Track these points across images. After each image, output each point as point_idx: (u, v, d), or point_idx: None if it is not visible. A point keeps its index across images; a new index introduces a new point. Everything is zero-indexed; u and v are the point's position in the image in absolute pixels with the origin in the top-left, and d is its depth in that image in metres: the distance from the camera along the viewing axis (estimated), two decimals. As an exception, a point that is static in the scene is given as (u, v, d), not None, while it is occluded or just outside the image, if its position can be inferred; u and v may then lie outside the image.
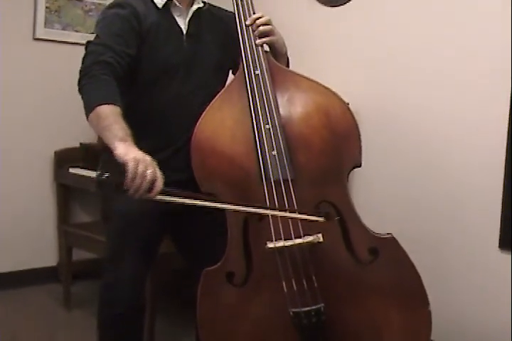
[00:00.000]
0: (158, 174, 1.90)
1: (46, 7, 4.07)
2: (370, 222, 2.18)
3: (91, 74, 2.11)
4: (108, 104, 2.03)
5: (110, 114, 2.01)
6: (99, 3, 4.23)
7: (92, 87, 2.10)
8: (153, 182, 1.87)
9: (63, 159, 4.10)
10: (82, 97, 2.10)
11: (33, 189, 4.16)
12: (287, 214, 2.05)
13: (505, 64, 2.64)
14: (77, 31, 4.20)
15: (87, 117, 2.05)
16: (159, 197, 1.90)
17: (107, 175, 1.83)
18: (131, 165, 1.84)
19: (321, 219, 2.06)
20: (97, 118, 2.01)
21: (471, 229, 2.80)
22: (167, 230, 2.46)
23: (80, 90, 2.13)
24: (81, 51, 2.22)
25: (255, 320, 2.15)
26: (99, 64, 2.12)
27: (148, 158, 1.90)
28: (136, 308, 2.38)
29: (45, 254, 4.22)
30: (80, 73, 2.15)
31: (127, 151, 1.89)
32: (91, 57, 2.15)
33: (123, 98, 2.10)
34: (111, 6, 2.30)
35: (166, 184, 1.97)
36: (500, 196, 2.68)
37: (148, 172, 1.86)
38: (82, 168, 3.89)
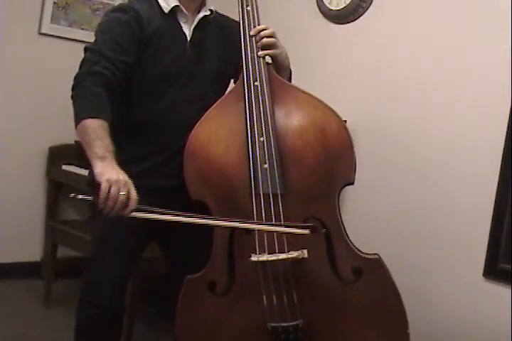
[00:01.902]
0: (132, 194, 1.93)
1: (54, 3, 4.09)
2: (358, 239, 2.18)
3: (83, 85, 2.13)
4: (95, 118, 2.05)
5: (95, 128, 2.03)
6: (108, 3, 4.24)
7: (82, 99, 2.12)
8: (126, 202, 1.91)
9: (57, 155, 4.11)
10: (73, 106, 2.13)
11: (25, 183, 4.15)
12: (268, 227, 2.04)
13: (504, 86, 2.64)
14: (83, 29, 4.21)
15: (76, 128, 2.08)
16: (135, 214, 1.94)
17: (80, 196, 1.88)
18: (103, 187, 1.89)
19: (306, 231, 2.04)
20: (82, 132, 2.05)
21: (457, 255, 2.79)
22: (154, 235, 2.45)
23: (71, 98, 2.15)
24: (84, 50, 2.23)
25: (233, 331, 2.14)
26: (92, 74, 2.14)
27: (122, 177, 1.94)
28: (115, 310, 2.37)
29: (29, 249, 4.21)
30: (74, 80, 2.17)
31: (103, 171, 1.93)
32: (85, 66, 2.17)
33: (118, 104, 2.11)
34: (114, 10, 2.31)
35: (155, 189, 1.96)
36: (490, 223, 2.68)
37: (121, 193, 1.90)
38: (76, 165, 3.89)
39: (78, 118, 2.07)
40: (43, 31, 4.09)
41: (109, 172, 1.93)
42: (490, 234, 2.67)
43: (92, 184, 1.97)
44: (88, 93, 2.12)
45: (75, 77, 2.16)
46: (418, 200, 2.96)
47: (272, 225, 2.05)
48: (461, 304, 2.76)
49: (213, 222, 2.04)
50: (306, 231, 2.04)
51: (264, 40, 2.22)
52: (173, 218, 1.97)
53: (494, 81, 2.69)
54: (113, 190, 1.89)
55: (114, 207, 1.89)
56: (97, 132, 2.02)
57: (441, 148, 2.88)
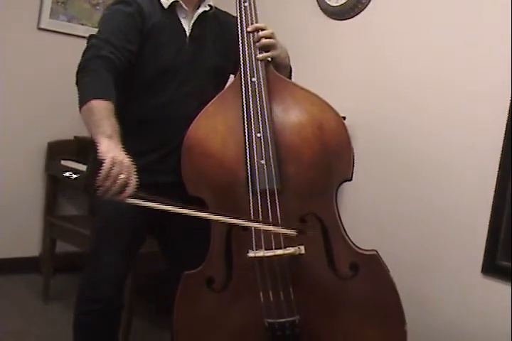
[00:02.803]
0: (132, 180, 1.88)
1: (53, -2, 4.08)
2: (356, 236, 2.18)
3: (89, 68, 2.10)
4: (102, 99, 2.02)
5: (102, 109, 2.00)
6: (107, -2, 4.23)
7: (89, 81, 2.09)
8: (124, 186, 1.86)
9: (56, 151, 4.11)
10: (78, 90, 2.10)
11: (24, 178, 4.15)
12: (258, 225, 2.04)
13: (504, 85, 2.64)
14: (82, 24, 4.20)
15: (80, 110, 2.04)
16: (130, 200, 1.89)
17: (74, 176, 1.84)
18: (105, 165, 1.83)
19: (292, 232, 2.04)
20: (89, 112, 2.00)
21: (456, 252, 2.79)
22: (152, 230, 2.46)
23: (76, 82, 2.13)
24: (84, 45, 2.22)
25: (231, 327, 2.15)
26: (99, 58, 2.12)
27: (126, 160, 1.89)
28: (113, 306, 2.37)
29: (28, 244, 4.21)
30: (79, 66, 2.14)
31: (109, 149, 1.88)
32: (91, 51, 2.15)
33: (118, 97, 2.10)
34: (116, 2, 2.30)
35: (153, 185, 1.95)
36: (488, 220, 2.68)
37: (122, 176, 1.84)
38: (75, 161, 3.89)
39: (84, 98, 2.03)
40: (42, 26, 4.08)
41: (115, 152, 1.88)
42: (488, 231, 2.67)
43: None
44: (95, 76, 2.09)
45: (80, 63, 2.14)
46: (416, 197, 2.96)
47: (260, 223, 2.04)
48: (459, 301, 2.76)
49: (206, 215, 2.00)
50: (293, 232, 2.04)
51: (263, 40, 2.21)
52: (166, 207, 1.93)
53: (493, 80, 2.69)
54: (115, 170, 1.83)
55: (111, 188, 1.84)
56: (104, 112, 1.99)
57: (439, 144, 2.88)
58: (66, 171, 1.87)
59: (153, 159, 2.29)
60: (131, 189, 1.87)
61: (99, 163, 1.85)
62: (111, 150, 1.88)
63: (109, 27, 2.22)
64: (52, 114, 4.14)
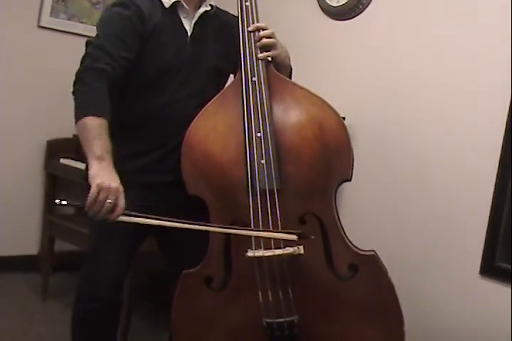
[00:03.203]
0: (120, 202, 1.94)
1: (54, -4, 4.08)
2: (355, 237, 2.18)
3: (84, 81, 2.12)
4: (95, 115, 2.05)
5: (95, 127, 2.03)
6: (108, -3, 4.23)
7: (84, 96, 2.12)
8: (112, 209, 1.92)
9: (55, 149, 4.10)
10: (74, 102, 2.13)
11: (23, 177, 4.15)
12: (256, 232, 2.05)
13: (504, 86, 2.65)
14: (82, 23, 4.20)
15: (75, 124, 2.08)
16: (123, 218, 1.95)
17: (64, 202, 1.91)
18: (92, 192, 1.90)
19: (293, 237, 2.04)
20: (82, 129, 2.05)
21: (454, 253, 2.79)
22: (152, 229, 2.45)
23: (73, 93, 2.15)
24: (83, 43, 2.22)
25: (229, 326, 2.15)
26: (94, 70, 2.13)
27: (114, 184, 1.94)
28: (112, 305, 2.37)
29: (27, 243, 4.21)
30: (76, 75, 2.16)
31: (96, 174, 1.94)
32: (87, 61, 2.16)
33: (119, 97, 2.11)
34: (115, 4, 2.29)
35: (153, 185, 1.96)
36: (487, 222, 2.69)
37: (108, 201, 1.91)
38: (74, 159, 3.89)
39: (79, 115, 2.06)
40: (42, 24, 4.08)
41: (103, 177, 1.93)
42: (487, 232, 2.67)
43: (87, 179, 1.96)
44: (90, 90, 2.11)
45: (77, 73, 2.15)
46: (415, 198, 2.96)
47: (260, 231, 2.05)
48: (458, 302, 2.76)
49: (198, 227, 2.04)
50: (294, 237, 2.04)
51: (264, 40, 2.21)
52: (157, 223, 1.99)
53: (493, 80, 2.69)
54: (101, 196, 1.90)
55: (99, 212, 1.91)
56: (96, 130, 2.02)
57: (439, 145, 2.88)
58: (57, 199, 1.93)
59: (154, 159, 2.29)
60: (119, 210, 1.94)
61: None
62: (98, 175, 1.94)
63: (106, 33, 2.22)
64: (51, 112, 4.13)
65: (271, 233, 2.04)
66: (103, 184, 1.91)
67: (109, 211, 1.92)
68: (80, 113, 2.06)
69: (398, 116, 3.06)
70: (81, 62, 2.18)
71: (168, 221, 1.99)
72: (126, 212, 1.95)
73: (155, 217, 1.98)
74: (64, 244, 3.75)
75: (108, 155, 2.00)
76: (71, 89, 2.15)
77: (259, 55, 2.20)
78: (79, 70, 2.16)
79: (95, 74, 2.12)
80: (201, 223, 2.05)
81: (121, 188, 1.95)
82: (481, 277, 2.69)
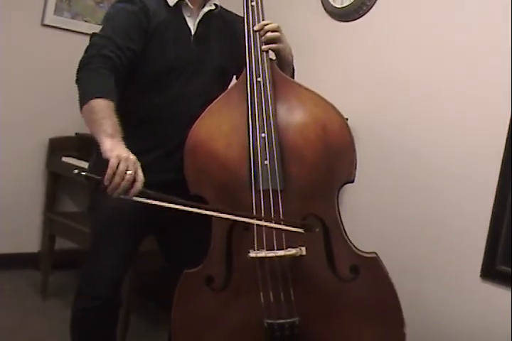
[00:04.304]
0: (139, 175, 1.90)
1: (58, -6, 4.08)
2: (356, 238, 2.18)
3: (90, 67, 2.11)
4: (103, 98, 2.02)
5: (104, 108, 2.00)
6: (112, -4, 4.23)
7: (90, 80, 2.10)
8: (132, 182, 1.87)
9: (57, 147, 4.10)
10: (79, 88, 2.10)
11: (24, 174, 4.15)
12: (265, 223, 2.04)
13: (505, 90, 2.65)
14: (86, 21, 4.21)
15: (81, 109, 2.04)
16: (138, 198, 1.90)
17: (84, 173, 1.85)
18: (112, 163, 1.85)
19: (300, 230, 2.04)
20: (90, 111, 2.01)
21: (455, 256, 2.79)
22: (152, 229, 2.46)
23: (77, 81, 2.13)
24: (87, 42, 2.23)
25: (229, 327, 2.14)
26: (100, 57, 2.12)
27: (132, 157, 1.90)
28: (111, 303, 2.37)
29: (27, 240, 4.21)
30: (80, 64, 2.15)
31: (112, 148, 1.90)
32: (93, 49, 2.15)
33: (122, 94, 2.10)
34: (121, 0, 2.29)
35: (155, 184, 1.96)
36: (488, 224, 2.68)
37: (129, 172, 1.86)
38: (76, 158, 3.89)
39: (85, 97, 2.04)
40: (46, 22, 4.08)
41: (119, 150, 1.90)
42: (488, 235, 2.67)
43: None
44: (96, 74, 2.09)
45: (81, 60, 2.14)
46: (417, 200, 2.96)
47: (268, 221, 2.04)
48: (458, 305, 2.76)
49: (211, 213, 2.01)
50: (301, 230, 2.04)
51: (269, 34, 2.21)
52: (175, 206, 1.94)
53: (495, 84, 2.69)
54: (121, 166, 1.85)
55: (120, 185, 1.85)
56: (106, 111, 1.99)
57: (441, 149, 2.88)
58: (75, 169, 1.87)
59: (157, 157, 2.28)
60: (139, 185, 1.88)
61: (104, 161, 1.87)
62: (114, 148, 1.90)
63: (112, 25, 2.22)
64: (54, 110, 4.14)
65: (278, 225, 2.04)
66: (121, 155, 1.87)
67: (129, 185, 1.86)
68: (87, 96, 2.04)
69: (399, 118, 3.06)
70: (85, 52, 2.17)
71: (184, 205, 1.95)
72: (145, 190, 1.89)
73: (173, 199, 1.94)
74: (64, 242, 3.75)
75: (119, 134, 1.97)
76: (74, 87, 2.14)
77: (263, 47, 2.20)
78: (83, 58, 2.15)
79: (102, 60, 2.11)
80: (216, 208, 2.04)
81: (139, 162, 1.92)
82: (481, 280, 2.69)
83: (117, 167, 1.85)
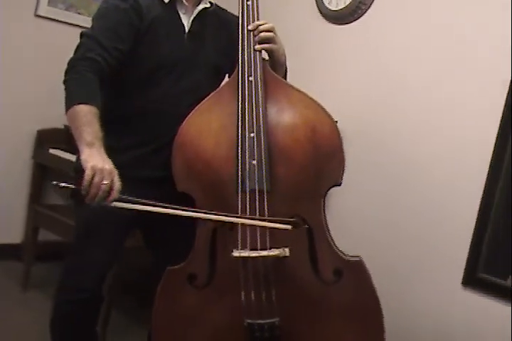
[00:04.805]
0: (116, 184, 1.94)
1: (53, -15, 4.06)
2: (341, 242, 2.18)
3: (76, 70, 2.13)
4: (86, 103, 2.05)
5: (86, 113, 2.03)
6: (107, -11, 4.20)
7: (75, 84, 2.12)
8: (108, 191, 1.91)
9: (45, 139, 4.09)
10: (65, 91, 2.13)
11: (10, 164, 4.13)
12: (250, 221, 2.04)
13: (497, 94, 2.66)
14: (79, 13, 4.19)
15: (66, 113, 2.08)
16: (117, 204, 1.94)
17: (62, 184, 1.90)
18: (87, 175, 1.89)
19: (287, 227, 2.04)
20: (73, 117, 2.05)
21: (437, 264, 2.81)
22: (139, 224, 2.45)
23: (64, 82, 2.15)
24: (79, 34, 2.22)
25: (210, 325, 2.14)
26: (86, 60, 2.14)
27: (107, 167, 1.94)
28: (94, 297, 2.36)
29: (10, 231, 4.19)
30: (68, 65, 2.16)
31: (88, 158, 1.94)
32: (80, 51, 2.17)
33: (113, 90, 2.10)
34: None
35: (143, 180, 1.96)
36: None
37: (104, 182, 1.90)
38: (63, 150, 3.87)
39: (69, 103, 2.07)
40: (40, 13, 4.06)
41: (95, 160, 1.93)
42: (471, 243, 2.68)
43: (79, 170, 1.96)
44: (81, 79, 2.12)
45: (69, 62, 2.16)
46: (403, 206, 2.97)
47: (254, 219, 2.04)
48: (439, 311, 2.77)
49: (195, 214, 2.03)
50: (288, 227, 2.04)
51: (263, 34, 2.21)
52: (154, 209, 1.97)
53: (489, 89, 2.70)
54: (96, 178, 1.89)
55: (96, 196, 1.90)
56: (87, 117, 2.02)
57: (429, 154, 2.89)
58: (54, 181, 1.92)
59: (145, 153, 2.29)
60: (115, 193, 1.93)
61: (83, 171, 1.92)
62: (90, 159, 1.94)
63: (101, 24, 2.23)
64: (43, 101, 4.11)
65: (265, 222, 2.04)
66: (96, 166, 1.91)
67: (106, 194, 1.91)
68: (71, 101, 2.07)
69: (390, 122, 3.08)
70: (74, 52, 2.19)
71: (164, 207, 1.98)
72: (122, 196, 1.94)
73: (151, 202, 1.97)
74: (48, 234, 3.72)
75: (98, 141, 2.00)
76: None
77: (257, 46, 2.20)
78: (71, 60, 2.17)
79: (87, 64, 2.13)
80: (198, 210, 2.05)
81: (116, 171, 1.95)
82: (463, 287, 2.70)
83: (92, 178, 1.89)
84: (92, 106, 2.05)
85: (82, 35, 2.21)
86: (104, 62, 2.16)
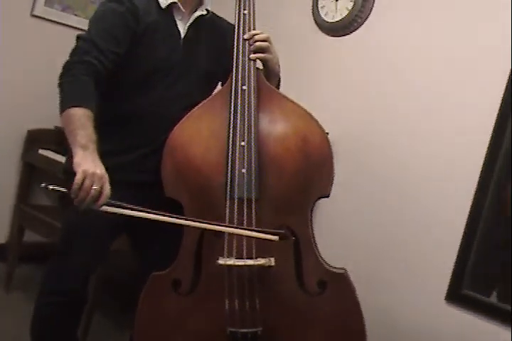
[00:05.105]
0: (106, 190, 1.93)
1: (50, -15, 4.05)
2: (328, 253, 2.18)
3: (72, 73, 2.12)
4: (81, 106, 2.04)
5: (80, 117, 2.03)
6: (104, -8, 4.20)
7: (70, 87, 2.12)
8: (98, 196, 1.91)
9: (35, 139, 4.06)
10: (59, 94, 2.12)
11: (-1, 163, 4.11)
12: (238, 230, 2.03)
13: (494, 102, 2.67)
14: (76, 15, 4.17)
15: (60, 116, 2.07)
16: (106, 208, 1.93)
17: (51, 187, 1.89)
18: (77, 179, 1.89)
19: (275, 238, 2.04)
20: (67, 120, 2.04)
21: (421, 279, 2.81)
22: (125, 228, 2.45)
23: (59, 85, 2.14)
24: (75, 36, 2.22)
25: (192, 332, 2.14)
26: (82, 63, 2.13)
27: (99, 172, 1.93)
28: (77, 300, 2.36)
29: (-5, 230, 4.17)
30: (63, 68, 2.16)
31: (81, 162, 1.93)
32: (77, 54, 2.17)
33: (107, 92, 2.10)
34: (111, 0, 2.29)
35: (131, 184, 1.95)
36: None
37: (94, 187, 1.90)
38: (53, 151, 3.86)
39: (64, 106, 2.07)
40: (36, 13, 4.04)
41: (87, 164, 1.92)
42: (456, 259, 2.69)
43: (68, 172, 1.96)
44: (76, 82, 2.11)
45: (65, 65, 2.16)
46: (392, 220, 2.98)
47: (242, 229, 2.04)
48: (422, 326, 2.78)
49: (183, 222, 2.02)
50: (275, 238, 2.04)
51: (258, 43, 2.22)
52: (143, 215, 1.96)
53: (485, 97, 2.71)
54: (87, 182, 1.88)
55: (85, 200, 1.89)
56: (81, 121, 2.02)
57: (418, 169, 2.91)
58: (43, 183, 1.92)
59: (135, 157, 2.29)
60: (104, 198, 1.92)
61: (73, 174, 1.91)
62: (83, 162, 1.93)
63: (98, 27, 2.23)
64: (35, 101, 4.09)
65: (253, 232, 2.04)
66: (88, 171, 1.90)
67: (94, 199, 1.90)
68: (65, 104, 2.07)
69: (383, 135, 3.08)
70: (70, 55, 2.18)
71: (153, 213, 1.97)
72: (111, 201, 1.93)
73: (140, 209, 1.96)
74: (33, 235, 3.70)
75: (92, 144, 1.99)
76: (57, 80, 2.14)
77: (251, 55, 2.21)
78: (67, 63, 2.16)
79: (83, 67, 2.13)
80: (186, 217, 2.04)
81: (107, 176, 1.95)
82: (446, 303, 2.71)
83: (82, 183, 1.88)
84: (86, 109, 2.05)
85: (78, 38, 2.21)
86: (101, 65, 2.16)
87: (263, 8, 2.44)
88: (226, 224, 2.05)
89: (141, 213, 1.96)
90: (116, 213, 1.95)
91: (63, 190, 1.90)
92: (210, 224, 2.02)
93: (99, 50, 2.16)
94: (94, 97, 2.11)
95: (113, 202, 1.94)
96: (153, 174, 2.22)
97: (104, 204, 1.93)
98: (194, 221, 2.03)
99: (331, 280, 2.11)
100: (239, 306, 2.05)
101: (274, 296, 2.08)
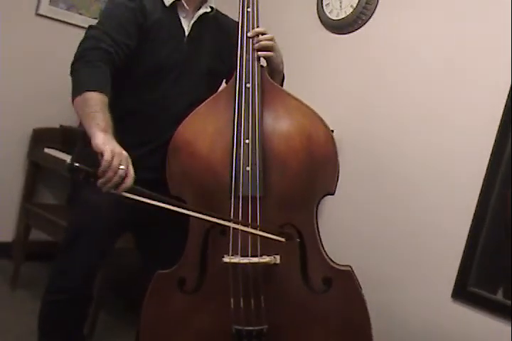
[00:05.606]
0: (131, 171, 1.88)
1: (55, -16, 4.06)
2: (333, 251, 2.18)
3: (87, 59, 2.09)
4: (97, 91, 2.01)
5: (98, 101, 1.98)
6: (109, -9, 4.20)
7: (85, 72, 2.08)
8: (123, 178, 1.85)
9: (41, 138, 4.07)
10: (73, 80, 2.08)
11: (4, 162, 4.11)
12: (250, 229, 2.03)
13: (496, 103, 2.67)
14: (80, 14, 4.18)
15: (73, 100, 2.02)
16: (126, 194, 1.88)
17: (77, 164, 1.83)
18: (106, 156, 1.82)
19: (281, 239, 2.03)
20: (84, 104, 1.99)
21: (427, 276, 2.81)
22: (130, 227, 2.45)
23: (72, 72, 2.11)
24: (79, 35, 2.21)
25: (197, 331, 2.14)
26: (97, 50, 2.11)
27: (125, 153, 1.89)
28: (82, 297, 2.38)
29: (2, 229, 4.17)
30: (76, 56, 2.13)
31: (106, 142, 1.87)
32: (90, 42, 2.14)
33: (112, 89, 2.10)
34: None
35: (136, 181, 1.95)
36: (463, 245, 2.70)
37: (122, 167, 1.84)
38: (59, 150, 3.86)
39: (79, 89, 2.02)
40: (40, 12, 4.05)
41: (113, 144, 1.88)
42: (462, 256, 2.69)
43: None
44: (92, 67, 2.08)
45: (77, 53, 2.13)
46: (395, 217, 2.97)
47: (250, 227, 2.04)
48: (428, 323, 2.77)
49: (196, 215, 1.99)
50: (282, 239, 2.04)
51: (262, 42, 2.21)
52: (163, 205, 1.92)
53: (486, 98, 2.71)
54: (115, 160, 1.83)
55: (112, 179, 1.83)
56: (99, 105, 1.97)
57: (421, 167, 2.90)
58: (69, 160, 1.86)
59: (139, 154, 2.24)
60: (130, 180, 1.87)
61: (92, 155, 1.85)
62: (108, 142, 1.87)
63: (110, 20, 2.22)
64: (41, 100, 4.11)
65: (260, 231, 2.02)
66: (115, 149, 1.85)
67: (121, 180, 1.85)
68: (81, 88, 2.02)
69: (390, 133, 3.07)
70: (80, 44, 2.15)
71: (171, 204, 1.94)
72: (134, 186, 1.88)
73: (160, 197, 1.92)
74: (39, 233, 3.71)
75: (111, 129, 1.94)
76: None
77: (255, 54, 2.20)
78: (79, 50, 2.13)
79: (99, 53, 2.10)
80: (204, 211, 2.01)
81: (130, 159, 1.90)
82: (452, 300, 2.70)
83: (111, 161, 1.83)
84: (103, 94, 2.01)
85: (89, 28, 2.19)
86: (116, 54, 2.14)
87: (267, 6, 2.44)
88: (236, 220, 2.04)
89: (160, 203, 1.91)
90: (134, 200, 1.90)
91: (89, 169, 1.84)
92: (223, 219, 2.01)
93: (113, 40, 2.14)
94: (110, 85, 2.08)
95: (136, 187, 1.89)
96: (156, 172, 2.21)
97: (126, 191, 1.88)
98: (209, 214, 2.00)
99: (336, 278, 2.10)
100: (244, 304, 2.05)
101: (279, 294, 2.07)
